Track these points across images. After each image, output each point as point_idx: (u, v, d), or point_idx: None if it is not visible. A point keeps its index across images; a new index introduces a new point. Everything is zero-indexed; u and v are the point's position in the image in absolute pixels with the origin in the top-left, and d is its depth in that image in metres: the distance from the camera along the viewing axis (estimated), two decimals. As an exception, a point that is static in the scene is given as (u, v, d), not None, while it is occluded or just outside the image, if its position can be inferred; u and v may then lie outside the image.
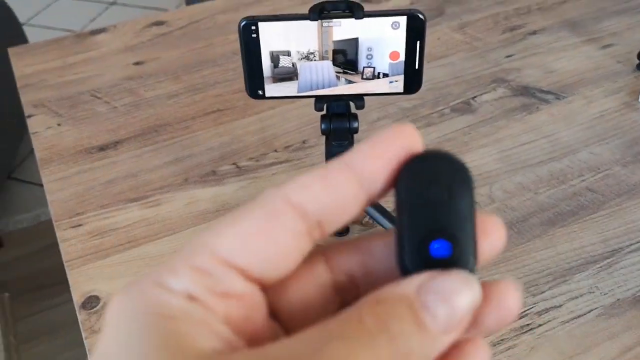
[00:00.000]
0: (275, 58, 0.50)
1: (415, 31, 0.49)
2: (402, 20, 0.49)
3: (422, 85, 0.53)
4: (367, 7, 0.49)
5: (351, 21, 0.49)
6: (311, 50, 0.50)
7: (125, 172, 0.69)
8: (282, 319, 0.20)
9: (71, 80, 0.83)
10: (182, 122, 0.75)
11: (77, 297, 0.56)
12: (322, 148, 0.57)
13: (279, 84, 0.52)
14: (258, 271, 0.19)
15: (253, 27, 0.49)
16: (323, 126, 0.54)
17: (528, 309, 0.54)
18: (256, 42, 0.50)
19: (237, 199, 0.65)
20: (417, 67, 0.51)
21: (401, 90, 0.52)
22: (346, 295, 0.21)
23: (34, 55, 0.87)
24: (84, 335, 0.54)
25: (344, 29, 0.49)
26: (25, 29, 1.82)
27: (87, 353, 0.56)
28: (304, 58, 0.50)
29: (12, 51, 0.88)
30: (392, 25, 0.49)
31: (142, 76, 0.83)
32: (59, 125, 0.76)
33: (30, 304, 1.41)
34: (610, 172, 0.66)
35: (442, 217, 0.19)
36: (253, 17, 0.49)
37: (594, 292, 0.55)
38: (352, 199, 0.19)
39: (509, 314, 0.19)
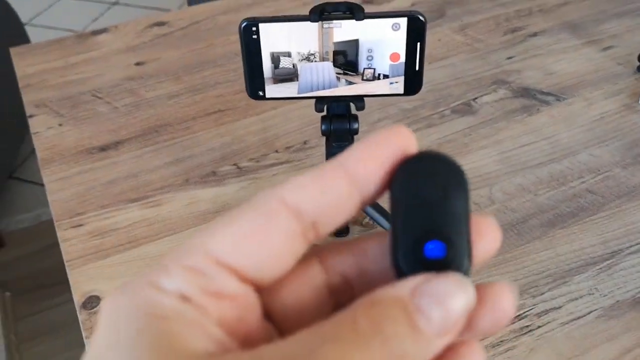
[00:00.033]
0: (275, 59, 0.51)
1: (416, 33, 0.50)
2: (403, 21, 0.49)
3: (423, 86, 0.53)
4: (368, 9, 0.49)
5: (352, 23, 0.49)
6: (312, 52, 0.50)
7: (126, 173, 0.69)
8: (277, 320, 0.20)
9: (72, 80, 0.83)
10: (182, 123, 0.75)
11: (77, 297, 0.56)
12: (323, 149, 0.57)
13: (279, 84, 0.52)
14: (252, 272, 0.19)
15: (254, 28, 0.49)
16: (323, 127, 0.54)
17: (527, 311, 0.54)
18: (257, 43, 0.50)
19: (237, 199, 0.65)
20: (417, 68, 0.51)
21: (401, 91, 0.52)
22: (341, 296, 0.21)
23: (35, 55, 0.87)
24: (84, 335, 0.54)
25: (344, 30, 0.49)
26: (27, 28, 1.83)
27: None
28: (304, 59, 0.50)
29: (14, 51, 0.88)
30: (392, 26, 0.49)
31: (143, 76, 0.83)
32: (60, 125, 0.76)
33: (31, 304, 1.41)
34: (610, 174, 0.66)
35: (437, 218, 0.19)
36: (254, 18, 0.49)
37: (593, 294, 0.55)
38: (346, 200, 0.19)
39: (503, 317, 0.19)
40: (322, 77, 0.51)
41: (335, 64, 0.51)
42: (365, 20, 0.49)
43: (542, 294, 0.55)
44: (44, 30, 2.35)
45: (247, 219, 0.19)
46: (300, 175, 0.19)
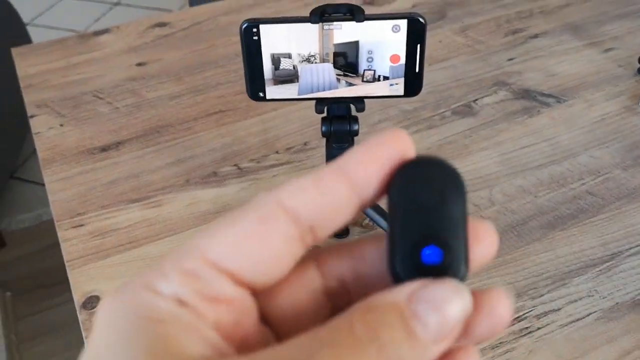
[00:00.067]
0: (276, 60, 0.51)
1: (416, 34, 0.50)
2: (403, 23, 0.49)
3: (423, 87, 0.53)
4: (369, 10, 0.49)
5: (352, 24, 0.49)
6: (312, 53, 0.50)
7: (127, 173, 0.69)
8: (273, 324, 0.20)
9: (74, 80, 0.83)
10: (184, 123, 0.75)
11: (77, 297, 0.56)
12: (324, 150, 0.57)
13: (279, 86, 0.52)
14: (249, 276, 0.19)
15: (254, 30, 0.49)
16: (323, 128, 0.54)
17: (527, 312, 0.54)
18: (257, 45, 0.50)
19: (238, 200, 0.65)
20: (417, 70, 0.51)
21: (401, 93, 0.52)
22: (338, 300, 0.21)
23: (37, 56, 0.87)
24: (84, 335, 0.54)
25: (344, 32, 0.49)
26: (29, 29, 1.83)
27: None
28: (304, 60, 0.51)
29: (15, 51, 0.88)
30: (392, 28, 0.49)
31: (144, 77, 0.83)
32: (61, 125, 0.76)
33: (32, 303, 1.41)
34: (610, 176, 0.66)
35: (434, 223, 0.19)
36: (254, 19, 0.50)
37: (593, 296, 0.55)
38: (345, 204, 0.19)
39: (500, 323, 0.18)
40: (323, 79, 0.51)
41: (336, 66, 0.51)
42: (365, 22, 0.49)
43: (542, 295, 0.55)
44: (45, 31, 2.36)
45: (245, 222, 0.19)
46: (298, 178, 0.19)
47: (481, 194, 0.65)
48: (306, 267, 0.21)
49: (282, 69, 0.51)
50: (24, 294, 1.43)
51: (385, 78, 0.52)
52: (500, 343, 0.52)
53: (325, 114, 0.55)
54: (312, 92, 0.52)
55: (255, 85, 0.52)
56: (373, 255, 0.21)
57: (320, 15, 0.49)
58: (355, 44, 0.50)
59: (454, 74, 0.81)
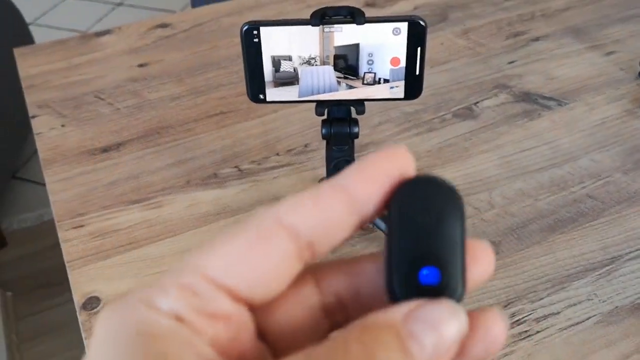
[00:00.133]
0: (276, 63, 0.51)
1: (416, 37, 0.50)
2: (403, 26, 0.49)
3: (424, 90, 0.53)
4: (371, 12, 0.49)
5: (352, 27, 0.49)
6: (312, 55, 0.50)
7: (128, 174, 0.69)
8: (270, 340, 0.20)
9: (75, 81, 0.83)
10: (184, 125, 0.75)
11: (77, 298, 0.57)
12: (324, 152, 0.57)
13: (280, 88, 0.52)
14: (247, 292, 0.19)
15: (255, 32, 0.50)
16: (324, 131, 0.55)
17: (526, 316, 0.54)
18: (258, 47, 0.50)
19: (238, 201, 0.65)
20: (417, 73, 0.51)
21: (402, 95, 0.52)
22: (335, 316, 0.21)
23: (39, 56, 0.88)
24: (84, 335, 0.54)
25: (345, 34, 0.49)
26: (32, 29, 1.83)
27: (87, 349, 0.56)
28: (305, 63, 0.51)
29: (17, 52, 0.89)
30: (393, 31, 0.49)
31: (145, 78, 0.83)
32: (62, 126, 0.76)
33: (33, 303, 1.41)
34: (610, 180, 0.66)
35: (432, 243, 0.19)
36: (255, 21, 0.50)
37: (592, 300, 0.55)
38: (343, 221, 0.19)
39: (495, 344, 0.19)
40: (323, 81, 0.51)
41: (336, 68, 0.51)
42: (366, 24, 0.49)
43: (541, 299, 0.55)
44: (48, 31, 2.36)
45: (243, 239, 0.19)
46: (297, 194, 0.19)
47: (481, 197, 0.65)
48: (304, 284, 0.21)
49: (283, 71, 0.51)
50: (25, 293, 1.44)
51: (386, 81, 0.52)
52: (499, 346, 0.52)
53: (325, 117, 0.55)
54: (312, 94, 0.52)
55: (255, 87, 0.52)
56: (370, 272, 0.21)
57: (321, 18, 0.49)
58: (356, 46, 0.50)
59: (455, 77, 0.81)
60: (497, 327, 0.19)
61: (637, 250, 0.59)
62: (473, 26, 0.91)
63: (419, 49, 0.50)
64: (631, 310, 0.54)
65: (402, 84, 0.52)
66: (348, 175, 0.19)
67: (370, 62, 0.51)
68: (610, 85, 0.79)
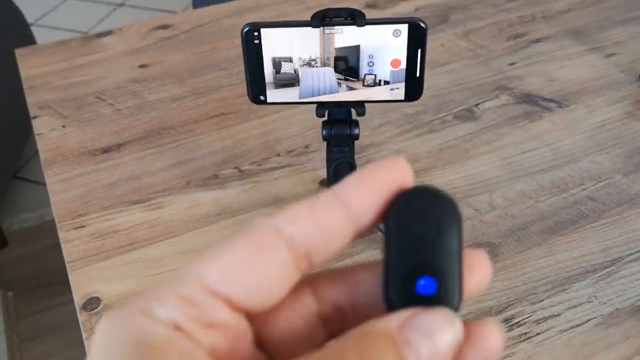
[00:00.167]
0: (277, 64, 0.51)
1: (417, 39, 0.50)
2: (404, 28, 0.49)
3: (425, 91, 0.53)
4: (372, 13, 0.49)
5: (353, 29, 0.49)
6: (313, 57, 0.50)
7: (128, 175, 0.69)
8: (268, 348, 0.20)
9: (76, 82, 0.83)
10: (185, 126, 0.75)
11: (78, 298, 0.57)
12: (324, 153, 0.57)
13: (280, 89, 0.52)
14: (245, 301, 0.19)
15: (255, 33, 0.50)
16: (324, 132, 0.55)
17: (526, 318, 0.54)
18: (258, 48, 0.50)
19: (238, 202, 0.65)
20: (418, 74, 0.51)
21: (402, 97, 0.53)
22: (333, 325, 0.21)
23: (40, 57, 0.88)
24: (84, 336, 0.54)
25: (345, 36, 0.49)
26: (34, 29, 1.84)
27: (87, 354, 0.56)
28: (305, 64, 0.51)
29: (18, 52, 0.89)
30: (393, 33, 0.49)
31: (146, 79, 0.83)
32: (63, 126, 0.76)
33: (33, 303, 1.42)
34: (611, 181, 0.66)
35: (429, 254, 0.19)
36: (256, 23, 0.50)
37: (592, 302, 0.55)
38: (341, 231, 0.19)
39: (491, 354, 0.19)
40: (323, 83, 0.51)
41: (337, 70, 0.51)
42: (366, 26, 0.49)
43: (541, 301, 0.55)
44: (49, 31, 2.36)
45: (241, 249, 0.19)
46: (295, 204, 0.19)
47: (482, 199, 0.65)
48: (302, 292, 0.21)
49: (283, 73, 0.51)
50: (26, 293, 1.44)
51: (386, 82, 0.52)
52: (499, 348, 0.52)
53: (326, 118, 0.55)
54: (312, 96, 0.52)
55: (256, 88, 0.52)
56: (368, 281, 0.21)
57: (322, 20, 0.49)
58: (356, 48, 0.50)
59: (456, 78, 0.81)
60: (493, 338, 0.19)
61: (637, 252, 0.59)
62: (474, 28, 0.91)
63: (419, 50, 0.50)
64: (631, 312, 0.54)
65: (402, 85, 0.52)
66: (346, 186, 0.19)
67: (370, 63, 0.51)
68: (610, 87, 0.79)
